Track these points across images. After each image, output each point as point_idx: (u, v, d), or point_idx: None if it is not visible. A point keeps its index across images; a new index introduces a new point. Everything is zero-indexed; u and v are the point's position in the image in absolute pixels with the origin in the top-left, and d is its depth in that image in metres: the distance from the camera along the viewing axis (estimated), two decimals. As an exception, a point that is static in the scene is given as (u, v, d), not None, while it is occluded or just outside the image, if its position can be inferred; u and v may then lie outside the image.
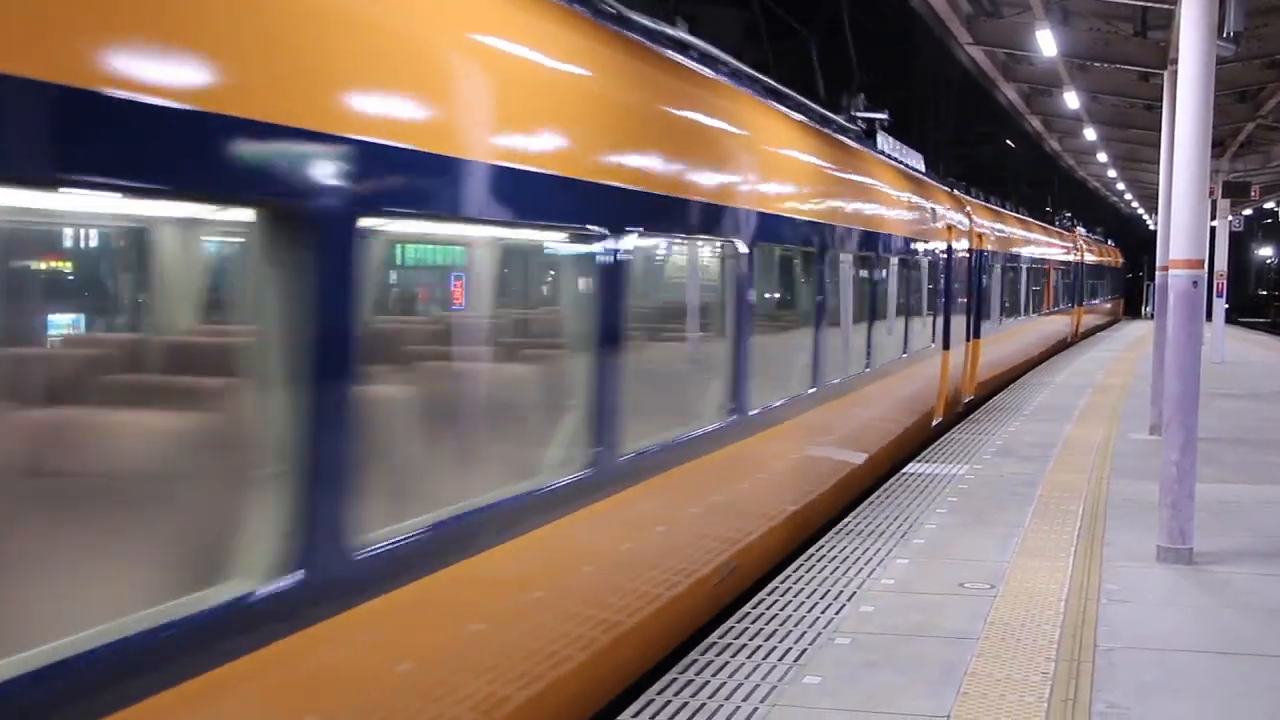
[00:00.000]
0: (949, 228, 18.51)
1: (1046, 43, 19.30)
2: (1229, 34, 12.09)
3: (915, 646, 7.53)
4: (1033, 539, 10.44)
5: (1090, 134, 31.60)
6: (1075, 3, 19.64)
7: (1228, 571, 9.58)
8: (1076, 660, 7.32)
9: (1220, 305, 33.03)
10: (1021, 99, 28.77)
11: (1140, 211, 64.07)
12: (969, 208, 21.28)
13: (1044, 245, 33.56)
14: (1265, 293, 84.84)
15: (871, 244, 13.08)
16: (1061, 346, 37.57)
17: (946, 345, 18.56)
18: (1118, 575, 9.32)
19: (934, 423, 17.84)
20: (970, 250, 20.86)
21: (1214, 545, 10.24)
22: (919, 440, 16.71)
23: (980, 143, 53.97)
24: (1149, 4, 18.16)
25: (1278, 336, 52.91)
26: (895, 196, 14.64)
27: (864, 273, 13.15)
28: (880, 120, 16.34)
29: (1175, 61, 11.93)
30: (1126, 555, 9.95)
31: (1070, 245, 41.16)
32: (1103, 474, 13.84)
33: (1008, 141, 49.23)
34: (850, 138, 13.54)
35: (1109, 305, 59.95)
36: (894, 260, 14.64)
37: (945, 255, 18.29)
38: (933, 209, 17.23)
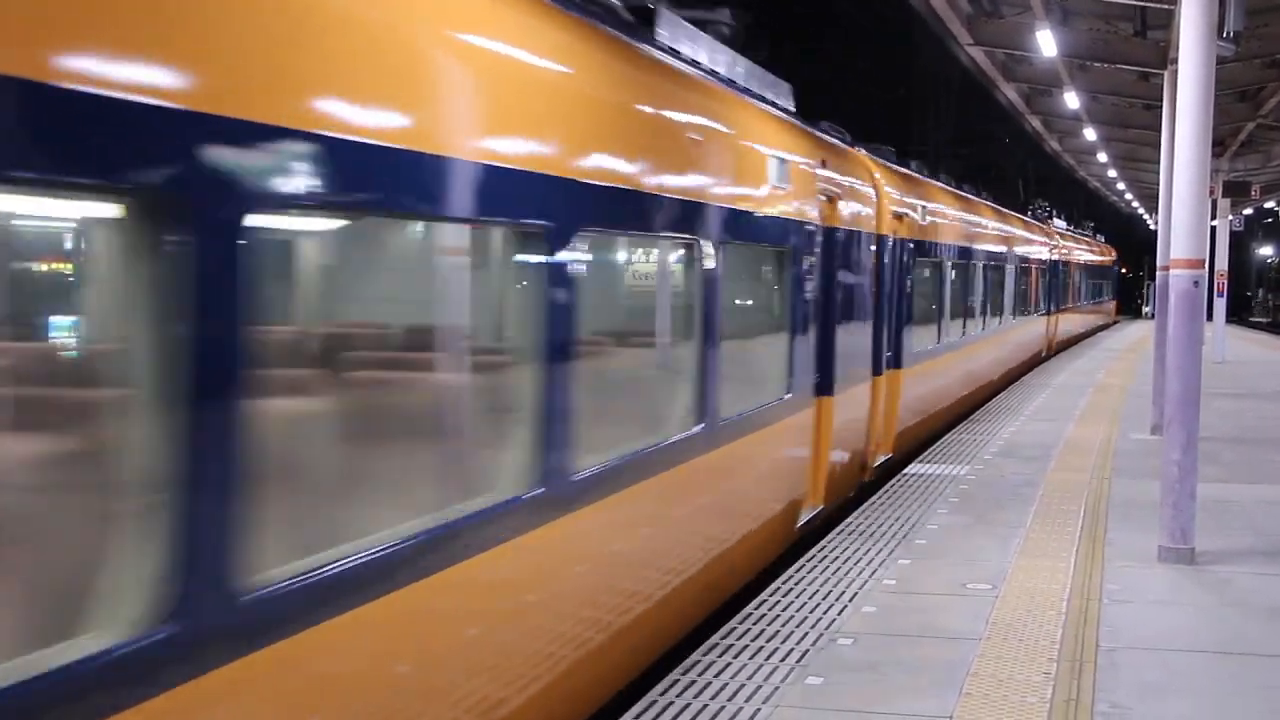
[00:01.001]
0: (832, 201, 11.60)
1: (1046, 43, 19.30)
2: (1229, 34, 12.08)
3: (917, 647, 7.53)
4: (1034, 539, 10.45)
5: (1090, 134, 31.60)
6: (1075, 3, 19.65)
7: (1229, 571, 9.59)
8: (1079, 660, 7.32)
9: (1221, 305, 33.05)
10: (1021, 99, 28.78)
11: (1140, 211, 64.08)
12: (879, 175, 14.06)
13: (1008, 237, 26.09)
14: (1249, 293, 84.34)
15: (618, 213, 6.84)
16: (1033, 363, 30.58)
17: (827, 389, 11.49)
18: (1119, 575, 9.32)
19: (800, 522, 10.91)
20: (884, 239, 13.99)
21: (1215, 545, 10.25)
22: (761, 564, 9.94)
23: (958, 135, 52.98)
24: (1148, 4, 18.16)
25: (1277, 335, 52.94)
26: (693, 130, 8.02)
27: (602, 270, 7.41)
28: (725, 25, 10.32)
29: (1175, 61, 11.95)
30: (1128, 555, 9.95)
31: (1045, 238, 33.98)
32: (1104, 474, 13.84)
33: (1004, 138, 48.70)
34: (600, 19, 7.16)
35: (1097, 309, 52.77)
36: (688, 248, 8.11)
37: (823, 245, 11.33)
38: (796, 166, 10.38)
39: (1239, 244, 62.13)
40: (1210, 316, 27.36)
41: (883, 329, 14.15)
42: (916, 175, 17.73)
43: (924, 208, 16.67)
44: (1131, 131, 30.57)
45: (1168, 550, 9.84)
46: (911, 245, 15.68)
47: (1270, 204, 51.08)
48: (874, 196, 13.64)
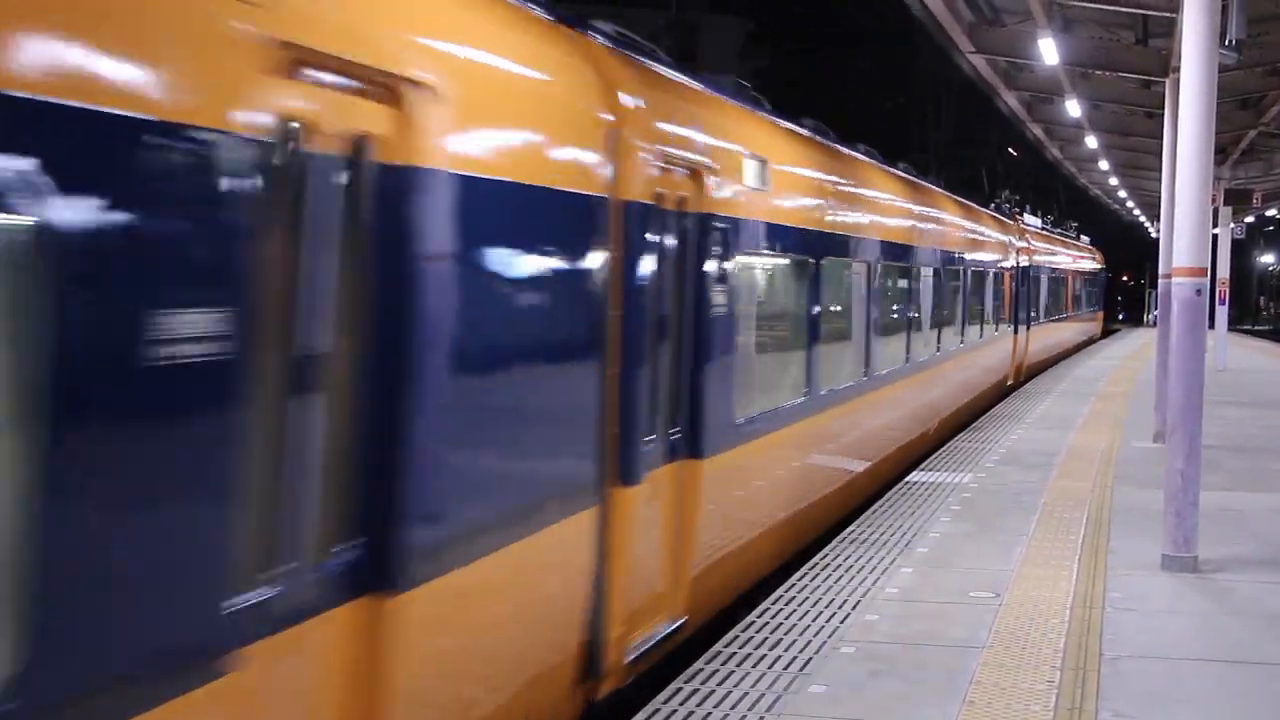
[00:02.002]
0: (396, 95, 4.68)
1: (1048, 51, 19.32)
2: (1231, 41, 12.10)
3: (920, 655, 7.52)
4: (1037, 547, 10.44)
5: (1091, 142, 31.62)
6: (1076, 11, 19.67)
7: (1232, 579, 9.58)
8: (1082, 669, 7.31)
9: (1222, 313, 33.07)
10: (1023, 107, 28.81)
11: (1142, 219, 64.10)
12: (626, 79, 7.27)
13: (953, 232, 18.93)
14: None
15: None
16: (995, 394, 23.91)
17: (379, 578, 4.56)
18: (1122, 583, 9.31)
19: None
20: (636, 211, 7.06)
21: (1218, 553, 10.24)
22: None
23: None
24: (1150, 12, 18.18)
25: (1277, 343, 52.94)
26: None
27: None
28: None
29: (1177, 69, 11.96)
30: (1131, 563, 9.94)
31: (1013, 237, 26.60)
32: (1106, 482, 13.83)
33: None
34: None
35: (1082, 322, 45.17)
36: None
37: (375, 210, 4.62)
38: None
39: (1241, 251, 62.16)
40: (1212, 324, 27.30)
41: (639, 390, 7.09)
42: (749, 110, 10.01)
43: (764, 168, 9.40)
44: (1133, 139, 30.61)
45: (1171, 558, 9.82)
46: (726, 228, 8.47)
47: (1272, 212, 51.08)
48: (603, 120, 6.75)
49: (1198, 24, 9.96)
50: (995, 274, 23.69)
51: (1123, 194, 50.70)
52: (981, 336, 21.90)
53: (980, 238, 22.05)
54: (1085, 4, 18.56)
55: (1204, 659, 7.66)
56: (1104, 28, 20.84)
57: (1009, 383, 26.02)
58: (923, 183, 18.02)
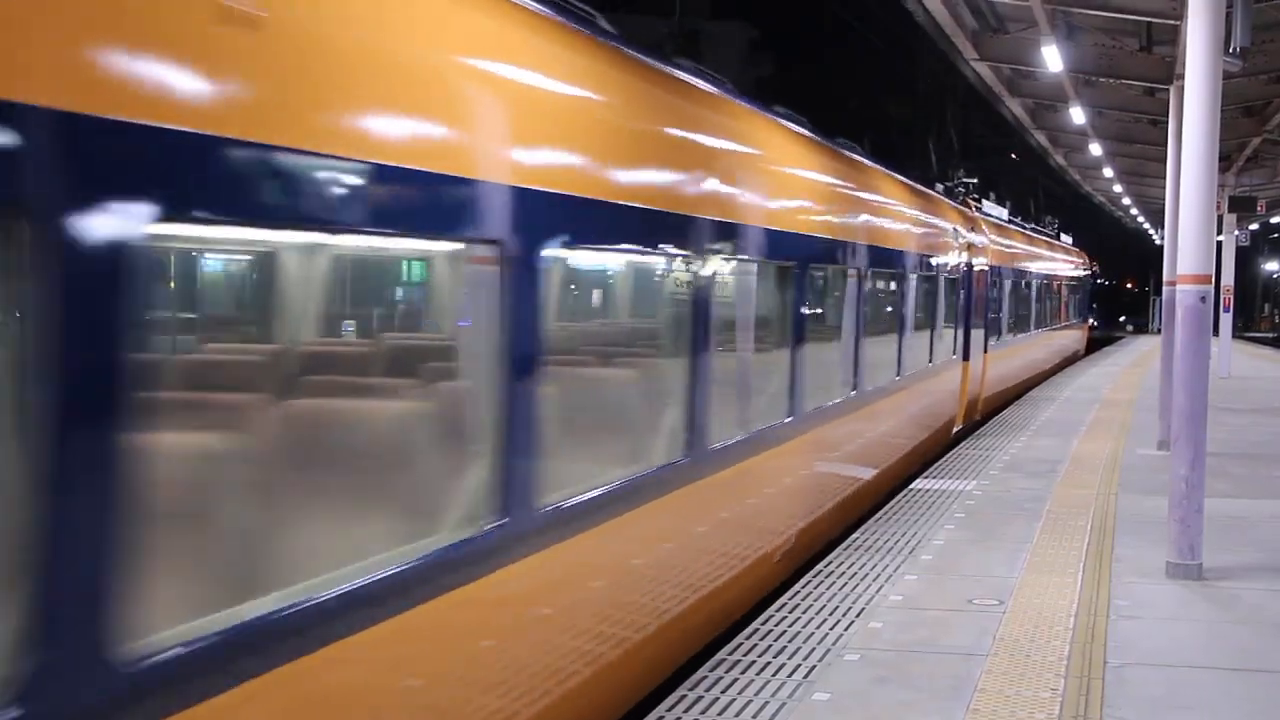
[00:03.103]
0: None
1: (1052, 58, 19.32)
2: (1235, 49, 12.08)
3: (925, 663, 7.52)
4: (1041, 555, 10.43)
5: (1095, 149, 31.62)
6: (1080, 18, 19.66)
7: (1237, 587, 9.57)
8: (1086, 676, 7.31)
9: (1226, 320, 33.04)
10: (1027, 114, 28.80)
11: (1146, 226, 64.08)
12: None
13: (829, 208, 11.21)
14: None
15: None
16: (928, 453, 16.94)
17: None
18: (1127, 591, 9.30)
19: None
20: None
21: (1223, 560, 10.23)
22: None
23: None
24: (1154, 19, 18.18)
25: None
26: None
27: None
28: None
29: (1181, 77, 11.95)
30: (1135, 571, 9.93)
31: (963, 229, 19.76)
32: (1110, 489, 13.82)
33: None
34: None
35: (1061, 337, 37.16)
36: None
37: None
38: None
39: (1244, 259, 62.05)
40: (1215, 332, 27.20)
41: None
42: None
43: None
44: (1137, 146, 30.59)
45: (1175, 566, 9.82)
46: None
47: (1276, 219, 51.00)
48: None
49: (1202, 31, 9.97)
50: (932, 279, 16.89)
51: (1127, 201, 50.67)
52: (899, 374, 14.83)
53: (930, 233, 16.11)
54: (1089, 11, 18.55)
55: (1209, 666, 7.65)
56: (1108, 35, 20.83)
57: (956, 428, 19.41)
58: (798, 128, 10.97)
